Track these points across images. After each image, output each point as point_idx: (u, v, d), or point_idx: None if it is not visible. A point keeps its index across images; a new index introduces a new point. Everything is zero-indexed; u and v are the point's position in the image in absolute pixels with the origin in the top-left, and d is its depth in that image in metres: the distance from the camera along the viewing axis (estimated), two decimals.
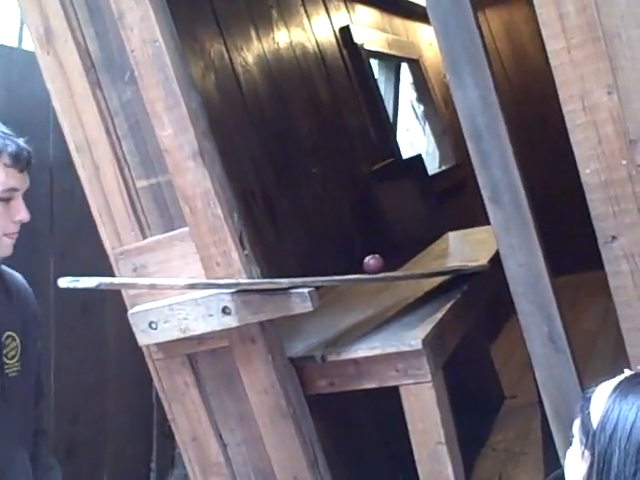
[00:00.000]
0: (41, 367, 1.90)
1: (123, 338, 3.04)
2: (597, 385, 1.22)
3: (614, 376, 1.24)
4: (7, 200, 1.60)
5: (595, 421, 1.15)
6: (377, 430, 2.78)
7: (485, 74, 1.75)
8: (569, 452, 1.23)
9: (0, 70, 2.66)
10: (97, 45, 1.93)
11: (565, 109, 1.63)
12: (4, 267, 1.79)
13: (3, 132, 1.62)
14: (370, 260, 2.23)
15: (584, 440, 1.17)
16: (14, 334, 1.73)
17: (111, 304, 2.99)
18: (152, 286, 1.84)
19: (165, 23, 1.86)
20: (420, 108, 5.70)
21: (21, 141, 1.64)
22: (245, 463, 2.09)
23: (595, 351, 3.91)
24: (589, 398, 1.20)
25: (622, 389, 1.17)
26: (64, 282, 1.62)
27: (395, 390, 2.03)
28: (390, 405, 2.15)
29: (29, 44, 2.98)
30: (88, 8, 1.92)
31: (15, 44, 3.04)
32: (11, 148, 1.59)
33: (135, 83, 1.91)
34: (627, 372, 1.23)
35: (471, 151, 1.80)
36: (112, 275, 2.07)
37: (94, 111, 1.96)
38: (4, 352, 1.69)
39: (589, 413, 1.17)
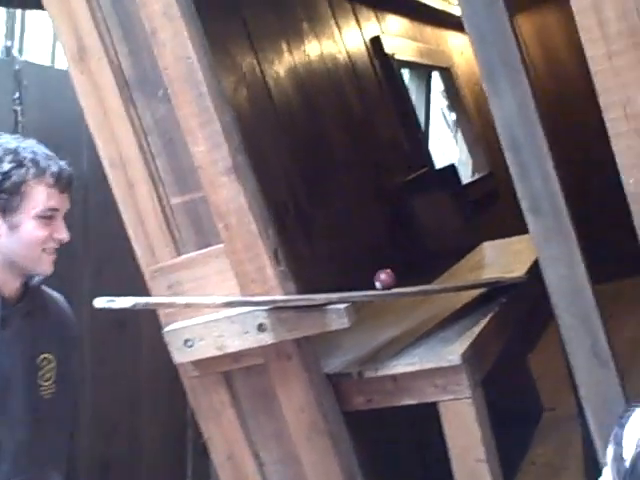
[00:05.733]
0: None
1: (157, 354, 3.04)
2: (635, 407, 1.13)
3: None
4: (49, 218, 1.64)
5: (629, 456, 1.05)
6: (414, 447, 2.74)
7: (523, 83, 1.72)
8: (604, 471, 1.16)
9: (34, 88, 2.69)
10: (130, 63, 1.93)
11: (607, 117, 1.59)
12: (45, 288, 1.80)
13: (46, 154, 1.67)
14: (381, 275, 2.14)
15: (616, 477, 1.08)
16: (50, 356, 1.73)
17: (146, 320, 2.99)
18: (188, 305, 1.82)
19: (198, 39, 1.86)
20: (452, 116, 5.66)
21: (63, 163, 1.68)
22: None
23: (636, 360, 3.83)
24: (623, 425, 1.09)
25: None
26: (100, 302, 1.62)
27: (433, 406, 2.00)
28: (427, 421, 2.12)
29: (62, 62, 3.01)
30: (121, 26, 1.92)
31: (48, 63, 3.07)
32: (53, 169, 1.64)
33: (168, 100, 1.91)
34: None
35: (509, 161, 1.76)
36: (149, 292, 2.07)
37: (128, 128, 1.96)
38: (39, 374, 1.70)
39: (621, 446, 1.07)
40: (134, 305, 1.58)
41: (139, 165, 1.97)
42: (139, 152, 1.96)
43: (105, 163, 2.01)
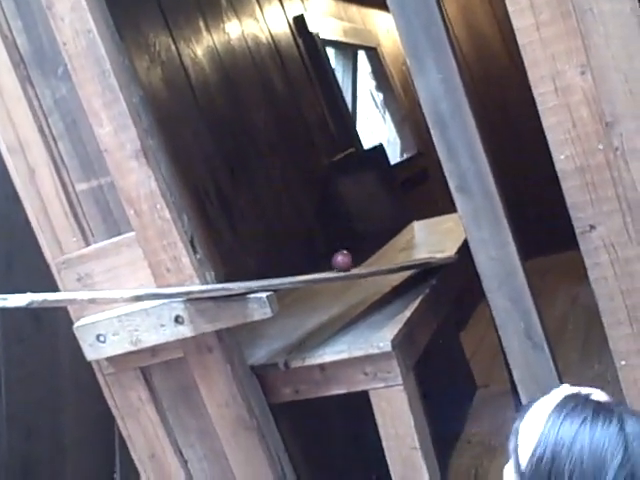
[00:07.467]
0: None
1: (78, 347, 2.91)
2: (529, 407, 1.10)
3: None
4: None
5: (525, 460, 1.04)
6: (349, 433, 2.66)
7: (447, 55, 1.63)
8: (505, 469, 1.12)
9: None
10: (25, 38, 1.77)
11: (536, 91, 1.52)
12: None
13: None
14: (338, 257, 2.10)
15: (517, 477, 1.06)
16: None
17: (65, 312, 2.85)
18: (92, 300, 1.69)
19: (99, 12, 1.71)
20: (379, 96, 5.59)
21: None
22: None
23: (565, 336, 3.85)
24: (521, 418, 1.09)
25: (554, 419, 1.03)
26: None
27: (366, 392, 1.92)
28: (363, 406, 2.04)
29: None
30: None
31: None
32: None
33: (69, 78, 1.76)
34: (564, 389, 1.10)
35: (435, 139, 1.68)
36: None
37: (26, 110, 1.81)
38: None
39: (517, 443, 1.06)
40: (29, 303, 1.44)
41: (40, 149, 1.82)
42: (39, 135, 1.81)
43: (2, 148, 1.85)
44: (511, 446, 1.08)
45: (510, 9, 1.52)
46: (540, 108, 1.53)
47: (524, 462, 1.04)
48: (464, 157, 1.66)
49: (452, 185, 1.69)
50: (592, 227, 1.51)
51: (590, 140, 1.49)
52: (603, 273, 1.53)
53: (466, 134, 1.65)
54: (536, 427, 1.04)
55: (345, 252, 2.11)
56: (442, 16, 1.63)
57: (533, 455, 1.02)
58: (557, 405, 1.05)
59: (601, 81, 1.47)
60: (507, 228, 1.65)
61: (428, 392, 2.17)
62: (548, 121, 1.53)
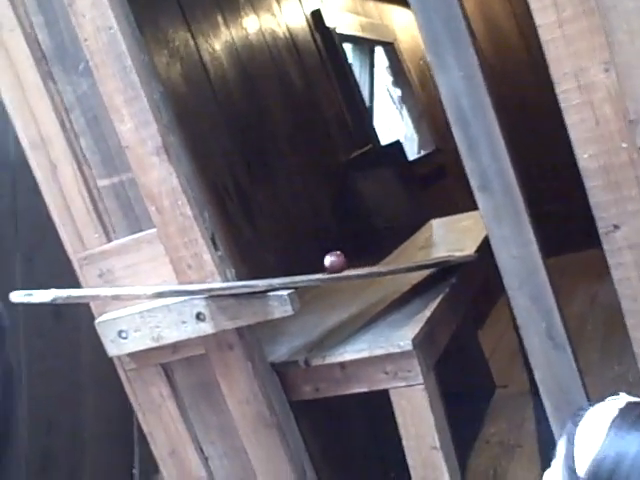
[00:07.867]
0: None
1: (98, 342, 2.92)
2: (582, 413, 1.05)
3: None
4: None
5: (582, 470, 0.99)
6: (369, 432, 2.66)
7: (469, 53, 1.61)
8: (547, 473, 1.09)
9: None
10: (47, 34, 1.78)
11: (558, 89, 1.50)
12: None
13: None
14: (330, 258, 2.04)
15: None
16: None
17: (85, 309, 2.86)
18: (116, 297, 1.70)
19: (120, 8, 1.71)
20: (397, 92, 5.57)
21: None
22: (228, 477, 1.96)
23: (584, 336, 3.83)
24: (577, 423, 1.03)
25: (618, 427, 0.98)
26: (17, 297, 1.48)
27: (386, 391, 1.91)
28: (382, 404, 2.04)
29: None
30: None
31: None
32: None
33: (91, 74, 1.76)
34: (622, 398, 1.05)
35: (457, 137, 1.67)
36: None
37: (47, 106, 1.81)
38: None
39: (573, 446, 1.02)
40: (54, 299, 1.45)
41: (61, 145, 1.82)
42: (61, 131, 1.82)
43: (24, 144, 1.86)
44: (563, 451, 1.04)
45: (532, 6, 1.51)
46: (563, 105, 1.52)
47: (581, 470, 0.99)
48: (485, 155, 1.65)
49: (474, 184, 1.67)
50: (616, 227, 1.50)
51: (614, 138, 1.48)
52: (627, 274, 1.51)
53: (488, 132, 1.64)
54: (597, 434, 1.00)
55: (338, 253, 2.07)
56: (463, 12, 1.62)
57: (594, 464, 0.98)
58: (620, 413, 1.01)
59: (625, 78, 1.46)
60: (529, 226, 1.64)
61: (445, 390, 2.16)
62: (571, 119, 1.51)
